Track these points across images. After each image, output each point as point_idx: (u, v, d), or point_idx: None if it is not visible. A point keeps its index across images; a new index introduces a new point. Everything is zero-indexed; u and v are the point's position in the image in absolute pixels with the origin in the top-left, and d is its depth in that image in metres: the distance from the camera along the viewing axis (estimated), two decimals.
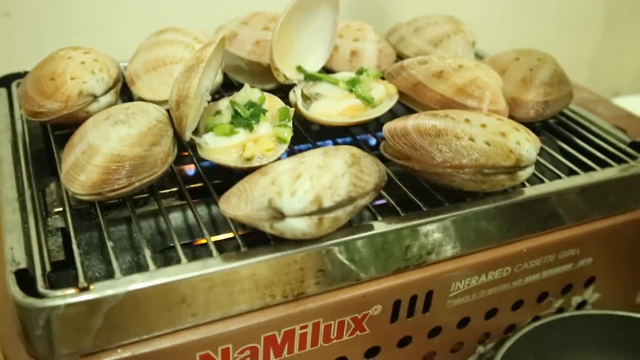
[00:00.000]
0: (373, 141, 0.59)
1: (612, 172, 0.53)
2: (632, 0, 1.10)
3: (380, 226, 0.44)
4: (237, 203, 0.40)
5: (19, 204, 0.44)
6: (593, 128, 0.60)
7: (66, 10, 0.73)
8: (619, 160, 0.55)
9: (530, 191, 0.49)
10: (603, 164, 0.54)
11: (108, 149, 0.41)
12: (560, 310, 0.57)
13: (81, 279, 0.38)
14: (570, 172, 0.53)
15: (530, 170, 0.47)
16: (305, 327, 0.43)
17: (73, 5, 0.73)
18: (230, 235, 0.47)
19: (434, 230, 0.45)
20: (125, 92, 0.55)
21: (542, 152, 0.55)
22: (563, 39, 1.08)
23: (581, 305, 0.58)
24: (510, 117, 0.54)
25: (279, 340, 0.43)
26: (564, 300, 0.56)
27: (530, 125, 0.52)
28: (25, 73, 0.54)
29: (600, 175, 0.52)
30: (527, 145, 0.46)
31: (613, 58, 1.15)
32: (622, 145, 0.57)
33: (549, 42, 1.05)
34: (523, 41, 1.01)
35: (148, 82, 0.53)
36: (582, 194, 0.51)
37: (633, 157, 0.55)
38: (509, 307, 0.53)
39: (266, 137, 0.46)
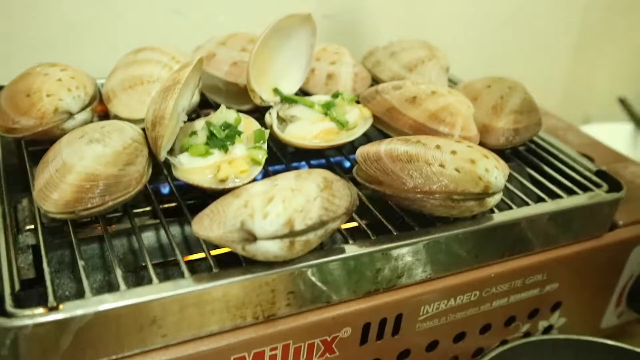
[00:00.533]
0: (347, 164, 0.60)
1: (578, 199, 0.54)
2: (602, 27, 1.12)
3: (351, 249, 0.44)
4: (210, 224, 0.40)
5: None
6: (561, 156, 0.61)
7: (42, 25, 0.73)
8: (585, 188, 0.56)
9: (499, 217, 0.50)
10: (570, 192, 0.55)
11: (82, 167, 0.42)
12: (527, 334, 0.58)
13: (50, 298, 0.38)
14: (539, 199, 0.54)
15: (498, 197, 0.48)
16: (275, 348, 0.44)
17: (50, 20, 0.73)
18: (202, 255, 0.47)
19: (404, 254, 0.46)
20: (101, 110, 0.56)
21: (511, 179, 0.56)
22: (535, 64, 1.10)
23: (548, 329, 0.59)
24: (481, 143, 0.55)
25: None
26: (531, 324, 0.57)
27: (500, 152, 0.54)
28: (1, 88, 0.54)
29: (567, 202, 0.54)
30: (495, 172, 0.47)
31: (584, 84, 1.18)
32: (588, 174, 0.58)
33: (521, 66, 1.07)
34: (496, 65, 1.04)
35: (125, 100, 0.53)
36: (550, 221, 0.52)
37: (598, 186, 0.56)
38: (477, 330, 0.54)
39: (241, 159, 0.46)
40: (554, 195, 0.55)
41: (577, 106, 1.19)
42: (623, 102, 1.10)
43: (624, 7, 1.13)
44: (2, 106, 0.50)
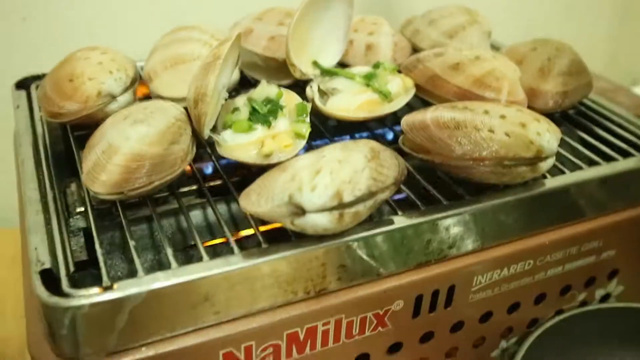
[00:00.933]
0: (391, 135, 0.59)
1: (634, 161, 0.52)
2: None
3: (400, 221, 0.44)
4: (258, 200, 0.40)
5: (41, 205, 0.45)
6: (614, 117, 0.59)
7: (81, 11, 0.74)
8: None
9: (551, 182, 0.49)
10: (625, 154, 0.54)
11: (128, 148, 0.42)
12: (584, 303, 0.57)
13: (105, 278, 0.38)
14: (592, 163, 0.52)
15: (551, 162, 0.47)
16: (328, 323, 0.44)
17: (87, 6, 0.74)
18: (251, 231, 0.47)
19: (454, 224, 0.45)
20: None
21: (562, 143, 0.54)
22: (578, 26, 1.07)
23: (605, 298, 0.58)
24: (529, 107, 0.53)
25: (301, 337, 0.43)
26: (587, 293, 0.56)
27: (549, 115, 0.52)
28: (44, 75, 0.55)
29: (622, 165, 0.52)
30: (547, 136, 0.46)
31: (631, 45, 1.14)
32: None
33: (563, 29, 1.04)
34: (539, 28, 1.00)
35: (166, 80, 0.53)
36: (604, 185, 0.51)
37: None
38: (531, 300, 0.53)
39: (284, 133, 0.46)
40: (608, 158, 0.53)
41: (625, 68, 1.15)
42: None
43: None
44: (47, 92, 0.51)
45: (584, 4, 1.05)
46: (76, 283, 0.39)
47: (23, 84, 0.61)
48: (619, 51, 1.13)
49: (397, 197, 0.48)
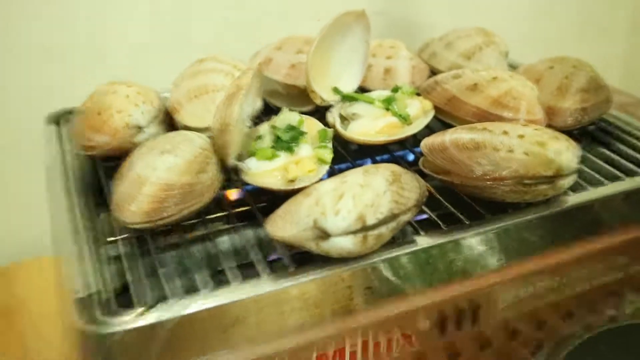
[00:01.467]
0: (411, 157, 0.60)
1: None
2: None
3: (423, 241, 0.44)
4: (283, 225, 0.41)
5: (74, 235, 0.46)
6: (634, 131, 0.59)
7: (108, 43, 0.75)
8: None
9: (573, 199, 0.49)
10: None
11: (156, 178, 0.43)
12: (614, 319, 0.56)
13: (137, 305, 0.39)
14: (614, 178, 0.52)
15: (572, 179, 0.47)
16: (356, 344, 0.44)
17: (114, 39, 0.75)
18: (277, 256, 0.48)
19: (477, 243, 0.46)
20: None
21: (583, 159, 0.54)
22: (593, 43, 1.06)
23: (635, 313, 0.57)
24: (548, 126, 0.54)
25: (330, 359, 0.44)
26: (617, 309, 0.56)
27: (568, 133, 0.52)
28: (72, 110, 0.56)
29: None
30: (567, 153, 0.46)
31: None
32: None
33: (578, 46, 1.03)
34: (554, 47, 1.00)
35: (191, 110, 0.55)
36: (627, 199, 0.51)
37: None
38: (559, 318, 0.53)
39: (307, 159, 0.47)
40: (630, 173, 0.53)
41: (639, 82, 1.14)
42: None
43: None
44: (77, 126, 0.53)
45: (598, 21, 1.05)
46: (112, 310, 0.40)
47: (53, 119, 0.62)
48: (635, 65, 1.12)
49: (419, 217, 0.48)
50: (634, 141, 0.58)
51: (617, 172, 0.53)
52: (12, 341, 0.65)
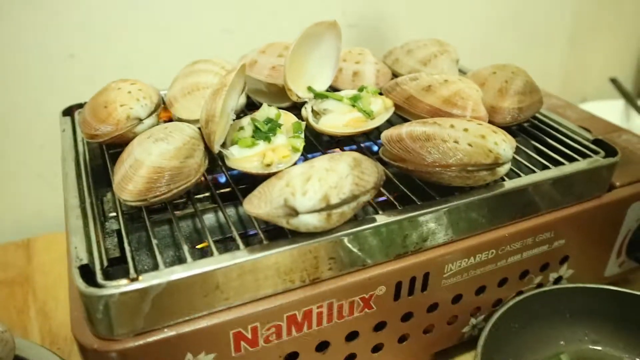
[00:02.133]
0: (375, 148, 0.58)
1: (579, 165, 0.51)
2: (593, 17, 1.08)
3: (381, 219, 0.43)
4: (259, 203, 0.39)
5: (81, 210, 0.44)
6: (562, 129, 0.58)
7: (117, 50, 0.74)
8: (585, 156, 0.53)
9: (509, 184, 0.48)
10: (571, 159, 0.53)
11: (150, 162, 0.42)
12: (540, 285, 0.56)
13: (132, 271, 0.38)
14: (543, 167, 0.52)
15: (507, 167, 0.46)
16: (321, 306, 0.43)
17: (122, 45, 0.74)
18: (254, 231, 0.46)
19: (428, 221, 0.45)
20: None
21: (518, 151, 0.54)
22: (536, 53, 1.06)
23: (557, 280, 0.57)
24: (490, 122, 0.53)
25: (299, 319, 0.42)
26: (543, 276, 0.55)
27: (507, 128, 0.51)
28: (84, 103, 0.55)
29: (569, 168, 0.51)
30: (503, 145, 0.45)
31: (580, 68, 1.13)
32: (587, 143, 0.55)
33: (524, 56, 1.04)
34: (501, 56, 1.00)
35: (185, 104, 0.53)
36: (554, 185, 0.50)
37: (596, 152, 0.53)
38: (495, 284, 0.52)
39: (282, 147, 0.45)
40: (557, 163, 0.52)
41: (575, 88, 1.14)
42: (614, 82, 1.06)
43: (609, 4, 1.08)
44: (86, 117, 0.50)
45: (541, 35, 1.05)
46: (109, 276, 0.39)
47: (68, 111, 0.60)
48: (570, 74, 1.13)
49: (379, 199, 0.47)
50: (561, 137, 0.57)
51: (546, 162, 0.52)
52: (31, 302, 0.64)
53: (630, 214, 0.56)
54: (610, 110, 0.98)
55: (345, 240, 0.42)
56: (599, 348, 0.55)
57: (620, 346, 0.55)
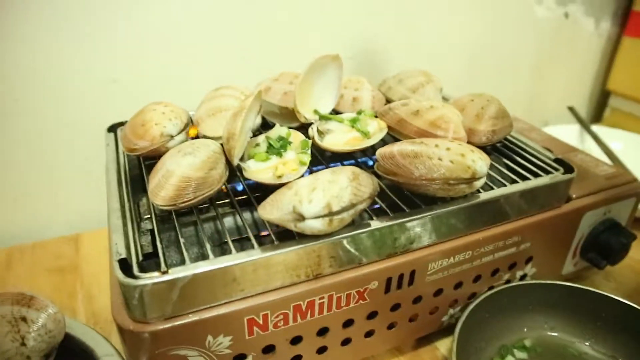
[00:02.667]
0: (370, 162, 0.58)
1: (542, 180, 0.51)
2: (551, 53, 1.08)
3: (375, 224, 0.43)
4: (271, 210, 0.39)
5: (121, 212, 0.44)
6: (528, 149, 0.58)
7: (153, 75, 0.74)
8: (547, 172, 0.53)
9: (484, 195, 0.47)
10: (536, 175, 0.52)
11: (180, 172, 0.41)
12: (508, 281, 0.55)
13: (162, 265, 0.37)
14: (513, 181, 0.51)
15: (483, 181, 0.46)
16: (323, 298, 0.42)
17: (157, 71, 0.74)
18: (266, 232, 0.46)
19: (414, 226, 0.44)
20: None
21: (492, 167, 0.53)
22: (505, 82, 1.06)
23: (523, 277, 0.56)
24: (469, 142, 0.53)
25: (303, 308, 0.42)
26: (511, 274, 0.54)
27: (482, 148, 0.51)
28: (125, 122, 0.54)
29: (534, 182, 0.50)
30: (480, 162, 0.44)
31: (542, 97, 1.13)
32: (549, 161, 0.55)
33: (494, 84, 1.03)
34: (476, 83, 1.00)
35: (209, 124, 0.53)
36: (521, 197, 0.49)
37: (556, 169, 0.53)
38: (471, 280, 0.51)
39: (292, 161, 0.45)
40: (524, 178, 0.51)
41: (538, 114, 1.14)
42: (571, 109, 1.05)
43: (567, 39, 1.08)
44: (127, 133, 0.50)
45: (509, 67, 1.05)
46: (144, 268, 0.38)
47: (112, 129, 0.60)
48: (534, 101, 1.12)
49: (373, 207, 0.47)
50: (527, 155, 0.57)
51: (515, 177, 0.52)
52: (78, 288, 0.63)
53: (584, 221, 0.56)
54: (568, 133, 0.97)
55: (344, 242, 0.41)
56: (556, 334, 0.54)
57: (573, 332, 0.54)
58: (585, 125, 0.99)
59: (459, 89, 0.71)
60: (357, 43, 0.86)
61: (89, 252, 0.70)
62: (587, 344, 0.54)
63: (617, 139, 0.95)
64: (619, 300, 0.52)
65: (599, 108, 1.21)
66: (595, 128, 0.98)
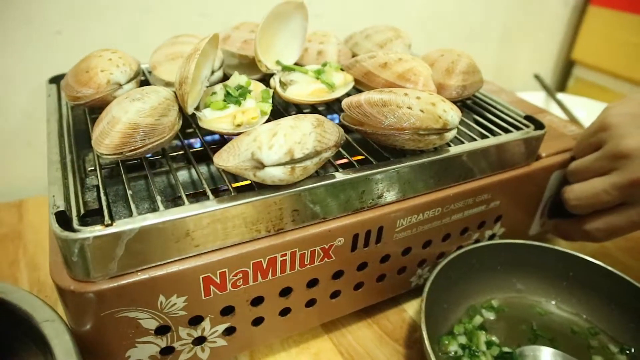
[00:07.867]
0: (337, 120, 0.55)
1: (514, 135, 0.50)
2: (519, 23, 1.07)
3: (340, 176, 0.40)
4: (227, 157, 0.36)
5: (60, 164, 0.40)
6: (498, 106, 0.56)
7: (100, 29, 0.68)
8: (518, 128, 0.51)
9: (454, 149, 0.46)
10: (506, 131, 0.51)
11: (126, 119, 0.37)
12: (477, 241, 0.54)
13: (106, 217, 0.33)
14: (483, 137, 0.49)
15: (454, 132, 0.44)
16: (285, 255, 0.40)
17: (109, 22, 0.68)
18: (225, 187, 0.42)
19: (382, 179, 0.42)
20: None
21: (461, 123, 0.52)
22: (473, 50, 1.04)
23: (491, 237, 0.55)
24: None
25: (264, 266, 0.39)
26: (480, 233, 0.53)
27: (453, 103, 0.49)
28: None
29: (504, 138, 0.49)
30: (451, 112, 0.42)
31: (510, 64, 1.13)
32: (519, 118, 0.54)
33: (462, 49, 1.02)
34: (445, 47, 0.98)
35: (167, 68, 0.48)
36: (491, 152, 0.48)
37: (527, 126, 0.52)
38: (440, 239, 0.50)
39: (251, 109, 0.41)
40: (495, 134, 0.50)
41: (505, 81, 1.13)
42: (537, 77, 1.05)
43: (535, 7, 1.08)
44: (69, 81, 0.45)
45: (478, 34, 1.04)
46: (87, 224, 0.35)
47: (55, 80, 0.55)
48: (502, 68, 1.12)
49: (339, 161, 0.44)
50: (498, 112, 0.55)
51: (485, 132, 0.50)
52: (21, 256, 0.59)
53: (552, 181, 0.55)
54: (534, 100, 0.97)
55: (308, 193, 0.38)
56: (523, 294, 0.54)
57: (540, 292, 0.54)
58: (550, 93, 0.99)
59: (426, 50, 0.68)
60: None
61: (34, 219, 0.65)
62: (552, 302, 0.54)
63: (581, 107, 0.96)
64: (587, 260, 0.52)
65: (564, 77, 1.23)
66: (560, 96, 0.99)
